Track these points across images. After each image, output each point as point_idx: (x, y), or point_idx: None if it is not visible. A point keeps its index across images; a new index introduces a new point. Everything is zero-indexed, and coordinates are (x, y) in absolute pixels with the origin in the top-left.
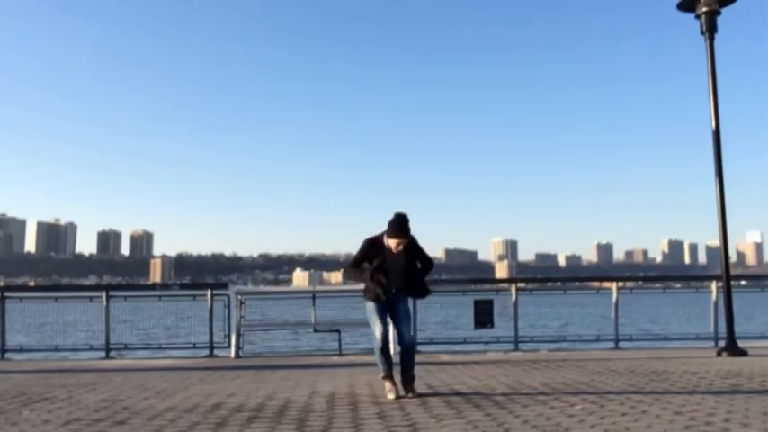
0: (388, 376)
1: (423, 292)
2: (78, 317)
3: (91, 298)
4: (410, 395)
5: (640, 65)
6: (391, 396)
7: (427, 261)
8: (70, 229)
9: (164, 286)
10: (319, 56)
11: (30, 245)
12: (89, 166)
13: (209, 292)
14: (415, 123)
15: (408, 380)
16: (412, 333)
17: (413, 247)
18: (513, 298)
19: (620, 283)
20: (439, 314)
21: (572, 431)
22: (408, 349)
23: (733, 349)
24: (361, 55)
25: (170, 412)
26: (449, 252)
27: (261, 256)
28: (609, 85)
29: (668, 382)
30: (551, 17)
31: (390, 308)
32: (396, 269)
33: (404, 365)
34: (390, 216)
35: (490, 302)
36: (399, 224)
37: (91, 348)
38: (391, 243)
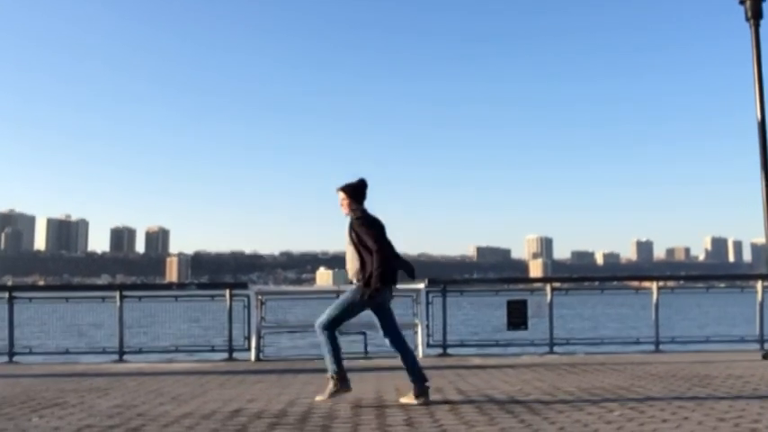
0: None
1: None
2: (90, 318)
3: (104, 298)
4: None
5: (681, 53)
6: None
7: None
8: (82, 226)
9: (180, 286)
10: (345, 45)
11: (39, 242)
12: (102, 159)
13: (228, 292)
14: (444, 116)
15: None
16: (324, 318)
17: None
18: (549, 298)
19: (661, 283)
20: (470, 315)
21: None
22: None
23: None
24: (390, 44)
25: (187, 419)
26: (481, 250)
27: (283, 254)
28: (648, 75)
29: (711, 386)
30: (584, 4)
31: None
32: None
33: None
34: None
35: (524, 303)
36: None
37: (103, 351)
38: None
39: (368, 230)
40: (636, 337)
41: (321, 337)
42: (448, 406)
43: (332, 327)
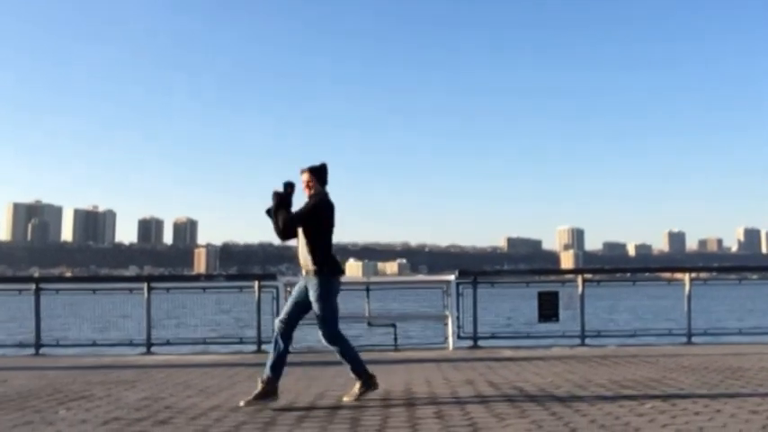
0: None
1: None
2: (118, 310)
3: (131, 290)
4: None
5: (714, 44)
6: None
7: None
8: (109, 217)
9: (208, 277)
10: (370, 33)
11: (66, 233)
12: (129, 149)
13: (256, 284)
14: (474, 106)
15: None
16: (328, 330)
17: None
18: (580, 290)
19: (693, 274)
20: (501, 307)
21: (642, 431)
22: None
23: None
24: (418, 33)
25: (215, 411)
26: (511, 241)
27: None
28: (679, 65)
29: (744, 379)
30: None
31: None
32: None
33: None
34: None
35: (555, 294)
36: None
37: (131, 343)
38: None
39: (320, 212)
40: (668, 329)
41: (336, 348)
42: (479, 398)
43: (339, 331)
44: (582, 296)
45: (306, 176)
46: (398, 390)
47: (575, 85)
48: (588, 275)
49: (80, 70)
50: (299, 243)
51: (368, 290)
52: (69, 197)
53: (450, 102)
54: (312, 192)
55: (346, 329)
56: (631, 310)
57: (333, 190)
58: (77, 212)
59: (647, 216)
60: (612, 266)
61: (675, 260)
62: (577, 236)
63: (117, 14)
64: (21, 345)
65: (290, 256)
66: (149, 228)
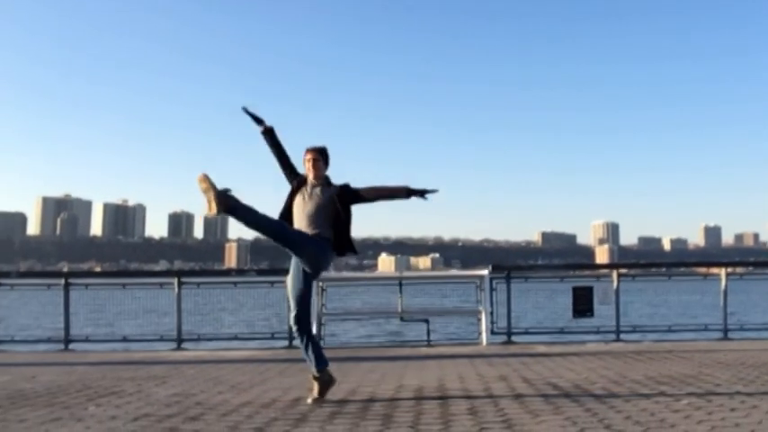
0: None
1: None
2: (148, 305)
3: (161, 284)
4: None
5: (750, 36)
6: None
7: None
8: (139, 211)
9: (240, 272)
10: (406, 25)
11: (96, 228)
12: (159, 142)
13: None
14: (509, 99)
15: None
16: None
17: (344, 194)
18: (615, 285)
19: (730, 269)
20: (535, 302)
21: (678, 427)
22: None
23: None
24: (455, 25)
25: (246, 407)
26: (546, 235)
27: None
28: (717, 56)
29: None
30: None
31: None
32: (305, 214)
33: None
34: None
35: (590, 290)
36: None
37: (161, 339)
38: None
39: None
40: (704, 324)
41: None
42: (512, 394)
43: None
44: (617, 291)
45: (315, 156)
46: (431, 386)
47: (610, 76)
48: (623, 270)
49: (110, 63)
50: (320, 220)
51: (400, 285)
52: (99, 191)
53: (483, 94)
54: (319, 173)
55: (381, 324)
56: (667, 305)
57: (366, 184)
58: (107, 206)
59: (683, 210)
60: (648, 261)
61: (711, 255)
62: (612, 230)
63: (147, 7)
64: (50, 340)
65: None
66: (180, 222)
